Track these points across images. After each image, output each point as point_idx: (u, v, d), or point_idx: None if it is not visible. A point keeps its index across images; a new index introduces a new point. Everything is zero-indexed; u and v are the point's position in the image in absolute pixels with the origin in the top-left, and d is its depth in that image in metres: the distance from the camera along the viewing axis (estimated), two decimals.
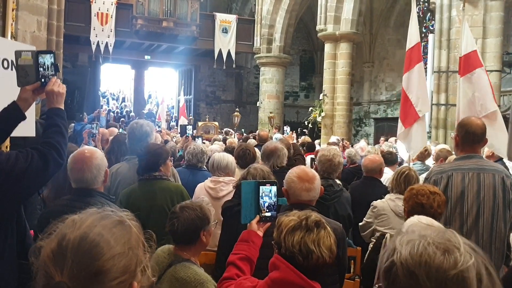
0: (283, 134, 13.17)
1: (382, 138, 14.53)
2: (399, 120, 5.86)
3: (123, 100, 26.46)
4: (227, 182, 4.37)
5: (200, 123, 14.96)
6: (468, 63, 6.59)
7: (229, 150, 6.20)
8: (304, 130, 17.00)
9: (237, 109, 18.04)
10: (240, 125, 18.88)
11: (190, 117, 20.70)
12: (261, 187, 2.54)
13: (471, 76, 6.41)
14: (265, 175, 3.48)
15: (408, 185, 4.28)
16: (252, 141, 8.62)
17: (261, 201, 2.53)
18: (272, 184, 2.58)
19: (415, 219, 2.80)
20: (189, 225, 2.60)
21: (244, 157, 4.96)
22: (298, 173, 2.94)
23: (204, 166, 5.36)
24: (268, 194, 2.55)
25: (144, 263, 1.16)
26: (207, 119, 17.17)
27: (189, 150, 5.35)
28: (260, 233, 2.46)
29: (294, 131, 14.64)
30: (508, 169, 5.84)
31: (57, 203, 2.92)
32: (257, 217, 2.50)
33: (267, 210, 2.52)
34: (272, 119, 17.47)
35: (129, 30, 19.03)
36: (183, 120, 15.60)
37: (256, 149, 5.99)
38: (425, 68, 18.35)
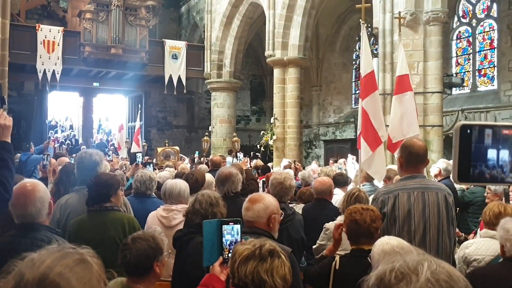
0: (236, 158, 13.17)
1: (331, 160, 14.79)
2: (362, 145, 5.91)
3: (71, 127, 25.77)
4: (180, 210, 4.31)
5: (159, 149, 14.60)
6: (401, 84, 6.91)
7: (179, 176, 6.14)
8: (257, 154, 17.08)
9: (206, 133, 17.74)
10: (192, 151, 18.77)
11: (144, 144, 20.37)
12: (223, 226, 2.44)
13: (402, 97, 6.71)
14: (212, 201, 3.43)
15: None
16: (203, 167, 8.59)
17: (223, 239, 2.43)
18: (235, 222, 2.49)
19: (386, 239, 2.84)
20: (142, 257, 2.55)
21: (188, 182, 4.91)
22: (251, 196, 3.01)
23: (153, 193, 5.28)
24: (230, 231, 2.45)
25: None
26: (166, 144, 16.77)
27: (136, 178, 5.25)
28: (223, 277, 2.35)
29: (247, 156, 14.68)
30: (455, 188, 6.09)
31: (0, 240, 2.80)
32: (220, 259, 2.41)
33: (231, 250, 2.38)
34: (235, 143, 17.25)
35: (76, 57, 18.69)
36: (135, 147, 15.27)
37: (209, 175, 6.00)
38: None
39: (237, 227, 2.49)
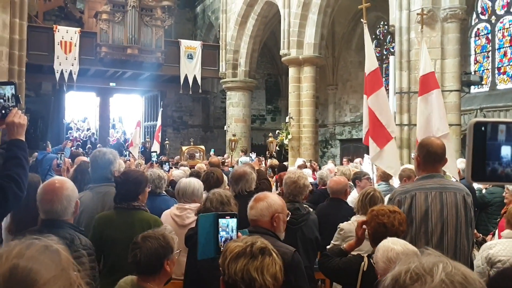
0: (250, 159, 13.16)
1: (344, 159, 14.70)
2: (370, 142, 5.89)
3: (88, 129, 25.99)
4: (193, 209, 4.28)
5: (184, 148, 14.64)
6: (426, 84, 6.77)
7: (194, 175, 6.14)
8: (273, 153, 17.06)
9: (234, 135, 17.70)
10: (208, 150, 18.83)
11: (166, 142, 20.49)
12: (220, 220, 2.42)
13: (428, 97, 6.59)
14: (223, 199, 3.41)
15: (374, 205, 4.31)
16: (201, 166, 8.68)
17: (219, 235, 2.40)
18: (232, 216, 2.46)
19: (389, 244, 2.78)
20: (152, 255, 2.53)
21: (207, 181, 4.90)
22: (256, 195, 2.99)
23: (163, 191, 5.31)
24: (225, 228, 2.42)
25: (77, 282, 1.16)
26: (191, 143, 16.80)
27: None
28: None
29: (262, 156, 14.64)
30: (473, 188, 5.99)
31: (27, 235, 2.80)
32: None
33: None
34: (234, 143, 17.22)
35: (93, 58, 18.84)
36: (156, 146, 15.31)
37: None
38: (387, 90, 18.83)
39: (233, 223, 2.45)
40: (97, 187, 4.09)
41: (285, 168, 9.38)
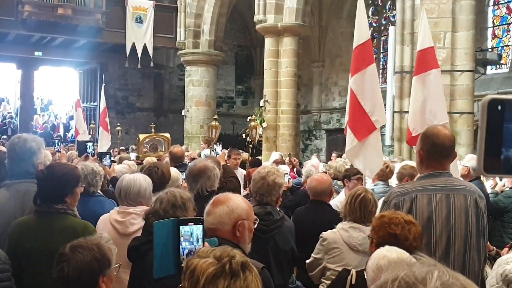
0: (213, 152, 13.11)
1: (334, 154, 14.79)
2: (347, 132, 5.93)
3: (9, 112, 25.39)
4: (139, 213, 4.24)
5: (142, 137, 14.31)
6: (424, 61, 6.83)
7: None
8: (256, 142, 17.05)
9: (215, 117, 17.51)
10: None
11: (118, 128, 20.14)
12: (181, 227, 2.40)
13: (425, 77, 6.66)
14: (176, 201, 3.37)
15: (365, 210, 4.35)
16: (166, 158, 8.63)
17: (181, 247, 2.39)
18: (196, 222, 2.45)
19: (384, 251, 2.82)
20: (83, 270, 2.50)
21: (150, 178, 4.87)
22: (215, 197, 3.01)
23: (99, 191, 5.27)
24: (188, 238, 2.41)
25: None
26: (152, 130, 16.49)
27: None
28: None
29: (229, 148, 14.58)
30: (486, 191, 6.08)
31: None
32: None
33: None
34: (214, 130, 16.94)
35: (13, 19, 18.47)
36: (104, 135, 15.05)
37: (174, 169, 5.93)
38: (385, 68, 18.98)
39: (198, 230, 2.43)
40: (16, 184, 3.99)
41: (259, 164, 9.40)
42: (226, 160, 9.39)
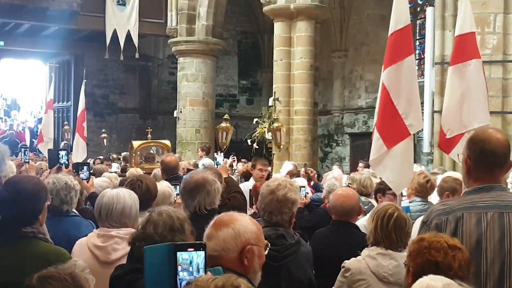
0: (214, 162, 13.11)
1: (360, 164, 14.76)
2: (374, 137, 5.88)
3: None
4: (123, 236, 4.25)
5: (135, 143, 14.23)
6: (463, 49, 6.81)
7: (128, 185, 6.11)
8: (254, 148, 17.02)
9: (225, 117, 17.31)
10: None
11: (104, 135, 20.23)
12: (179, 254, 2.38)
13: (464, 68, 6.63)
14: (174, 224, 3.39)
15: (400, 232, 4.33)
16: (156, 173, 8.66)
17: (177, 279, 2.36)
18: (198, 248, 2.42)
19: (428, 280, 2.79)
20: None
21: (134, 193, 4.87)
22: (218, 218, 3.01)
23: (74, 210, 5.26)
24: (187, 267, 2.39)
25: None
26: (149, 136, 16.29)
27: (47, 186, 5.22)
28: None
29: (233, 157, 14.53)
30: None
31: None
32: None
33: None
34: (224, 134, 16.74)
35: None
36: (78, 141, 15.05)
37: (165, 183, 5.97)
38: (422, 58, 18.91)
39: (199, 258, 2.40)
40: None
41: (268, 176, 9.41)
42: (249, 170, 9.59)
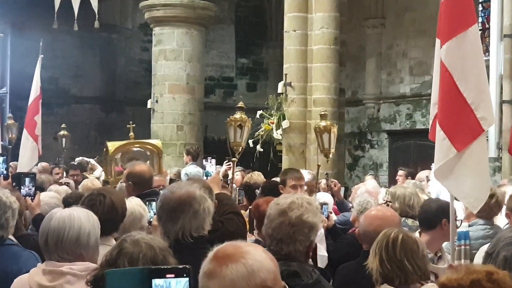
0: (202, 170, 13.10)
1: (401, 172, 14.78)
2: (438, 136, 5.87)
3: None
4: (79, 274, 4.29)
5: (112, 145, 13.80)
6: None
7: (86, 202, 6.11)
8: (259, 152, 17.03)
9: (239, 105, 16.75)
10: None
11: (63, 133, 20.06)
12: (154, 281, 2.43)
13: None
14: (157, 256, 3.45)
15: (414, 259, 4.42)
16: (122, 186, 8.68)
17: None
18: (178, 273, 2.50)
19: None
20: None
21: (92, 211, 4.88)
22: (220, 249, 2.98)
23: (11, 236, 5.30)
24: None
25: None
26: (131, 134, 15.95)
27: None
28: None
29: (228, 164, 14.47)
30: None
31: None
32: None
33: None
34: (236, 128, 16.39)
35: None
36: (27, 142, 14.95)
37: (136, 200, 6.01)
38: (487, 29, 18.91)
39: (181, 283, 2.46)
40: None
41: (276, 190, 9.39)
42: (281, 189, 9.17)
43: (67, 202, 6.35)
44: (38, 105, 15.37)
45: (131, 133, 14.78)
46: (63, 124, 20.91)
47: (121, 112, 25.21)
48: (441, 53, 5.95)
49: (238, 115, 14.13)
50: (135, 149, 13.92)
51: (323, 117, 13.79)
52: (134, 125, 15.18)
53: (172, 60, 20.89)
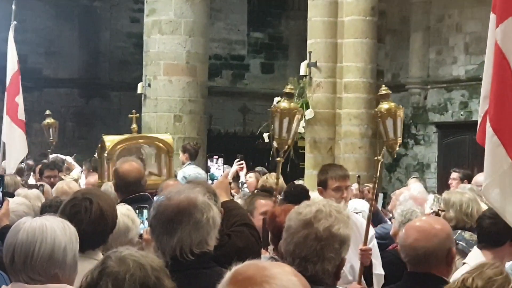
0: (205, 172, 13.13)
1: (454, 175, 14.79)
2: (489, 137, 5.84)
3: None
4: None
5: (109, 140, 13.50)
6: None
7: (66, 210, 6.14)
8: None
9: (288, 89, 16.72)
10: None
11: (50, 120, 19.84)
12: None
13: None
14: (149, 279, 3.49)
15: None
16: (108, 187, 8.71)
17: None
18: None
19: None
20: None
21: (75, 223, 4.90)
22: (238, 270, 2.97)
23: None
24: None
25: None
26: (133, 126, 15.72)
27: None
28: None
29: (239, 164, 14.51)
30: None
31: None
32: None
33: None
34: (283, 118, 16.36)
35: None
36: (12, 131, 14.95)
37: (124, 209, 6.04)
38: None
39: None
40: None
41: (303, 196, 9.41)
42: (320, 191, 8.96)
43: (46, 211, 6.35)
44: (18, 82, 15.48)
45: (134, 125, 13.97)
46: (48, 111, 20.34)
47: (105, 99, 25.30)
48: (497, 34, 5.92)
49: (285, 103, 13.34)
50: (139, 144, 13.45)
51: (384, 97, 12.85)
52: (137, 114, 14.64)
53: (169, 34, 20.92)
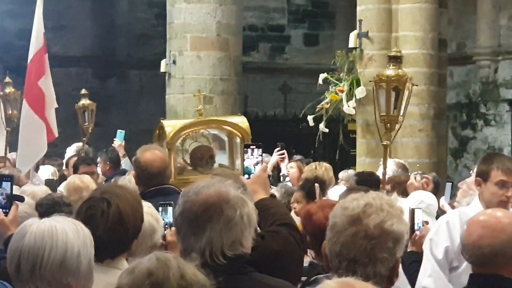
0: (241, 165, 13.12)
1: None
2: None
3: None
4: None
5: (170, 125, 12.96)
6: None
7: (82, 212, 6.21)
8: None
9: (395, 58, 16.84)
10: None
11: (83, 102, 19.22)
12: None
13: None
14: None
15: None
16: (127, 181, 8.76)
17: None
18: None
19: None
20: None
21: (91, 227, 4.92)
22: None
23: None
24: None
25: None
26: (199, 108, 15.31)
27: None
28: None
29: (280, 153, 14.53)
30: None
31: None
32: None
33: None
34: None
35: None
36: (28, 118, 14.77)
37: (146, 206, 6.03)
38: None
39: None
40: None
41: (374, 183, 9.46)
42: (478, 185, 8.74)
43: (37, 210, 6.39)
44: (43, 61, 14.96)
45: (200, 106, 13.30)
46: (83, 90, 20.07)
47: (123, 79, 25.41)
48: None
49: (392, 71, 12.87)
50: (207, 131, 12.58)
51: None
52: (204, 93, 14.80)
53: (196, 3, 20.98)
